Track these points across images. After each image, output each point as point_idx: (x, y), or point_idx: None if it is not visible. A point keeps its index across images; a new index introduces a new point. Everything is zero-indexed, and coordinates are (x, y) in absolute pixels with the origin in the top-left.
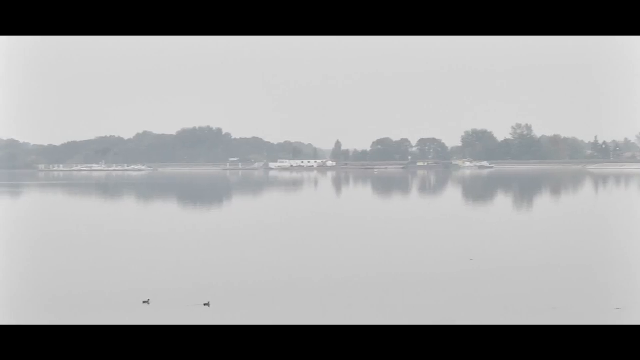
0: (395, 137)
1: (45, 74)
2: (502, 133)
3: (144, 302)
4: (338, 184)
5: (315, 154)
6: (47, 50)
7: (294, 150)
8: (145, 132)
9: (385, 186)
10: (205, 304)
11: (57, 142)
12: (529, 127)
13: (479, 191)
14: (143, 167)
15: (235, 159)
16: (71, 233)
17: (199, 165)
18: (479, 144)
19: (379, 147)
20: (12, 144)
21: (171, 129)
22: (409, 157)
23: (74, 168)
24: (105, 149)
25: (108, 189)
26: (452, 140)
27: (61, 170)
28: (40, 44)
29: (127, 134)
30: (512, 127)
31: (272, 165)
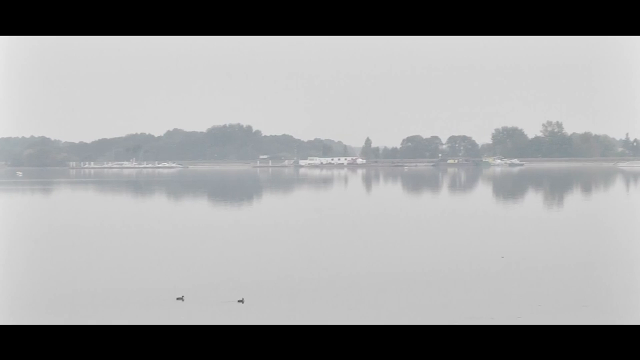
0: (426, 135)
1: (76, 73)
2: (532, 130)
3: (178, 298)
4: (368, 181)
5: (345, 151)
6: (79, 49)
7: (324, 148)
8: (175, 130)
9: (415, 183)
10: (239, 301)
11: (88, 140)
12: (559, 125)
13: (509, 189)
14: (173, 165)
15: (266, 157)
16: (101, 230)
17: (229, 162)
18: (509, 141)
19: (409, 144)
20: (44, 141)
21: (201, 127)
22: (439, 155)
23: (105, 165)
24: (135, 146)
25: (139, 186)
26: (483, 137)
27: (92, 168)
28: (71, 43)
29: (158, 131)
30: (543, 125)
31: (302, 162)
